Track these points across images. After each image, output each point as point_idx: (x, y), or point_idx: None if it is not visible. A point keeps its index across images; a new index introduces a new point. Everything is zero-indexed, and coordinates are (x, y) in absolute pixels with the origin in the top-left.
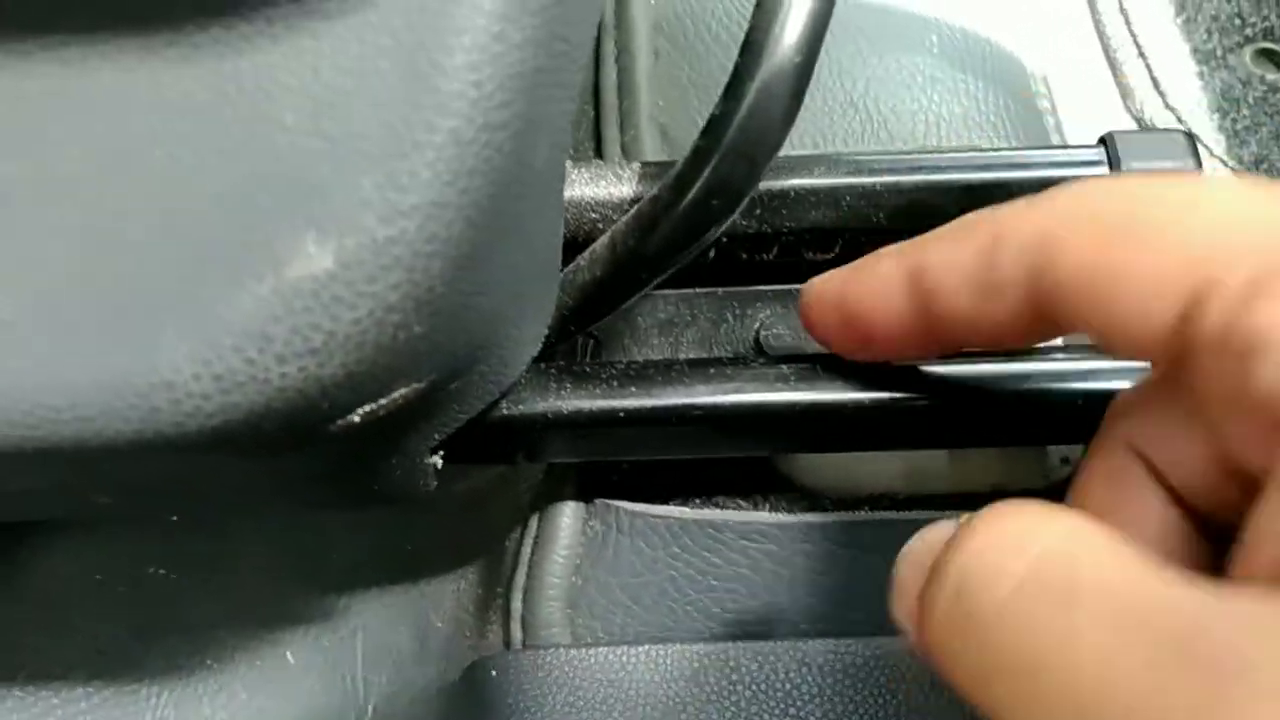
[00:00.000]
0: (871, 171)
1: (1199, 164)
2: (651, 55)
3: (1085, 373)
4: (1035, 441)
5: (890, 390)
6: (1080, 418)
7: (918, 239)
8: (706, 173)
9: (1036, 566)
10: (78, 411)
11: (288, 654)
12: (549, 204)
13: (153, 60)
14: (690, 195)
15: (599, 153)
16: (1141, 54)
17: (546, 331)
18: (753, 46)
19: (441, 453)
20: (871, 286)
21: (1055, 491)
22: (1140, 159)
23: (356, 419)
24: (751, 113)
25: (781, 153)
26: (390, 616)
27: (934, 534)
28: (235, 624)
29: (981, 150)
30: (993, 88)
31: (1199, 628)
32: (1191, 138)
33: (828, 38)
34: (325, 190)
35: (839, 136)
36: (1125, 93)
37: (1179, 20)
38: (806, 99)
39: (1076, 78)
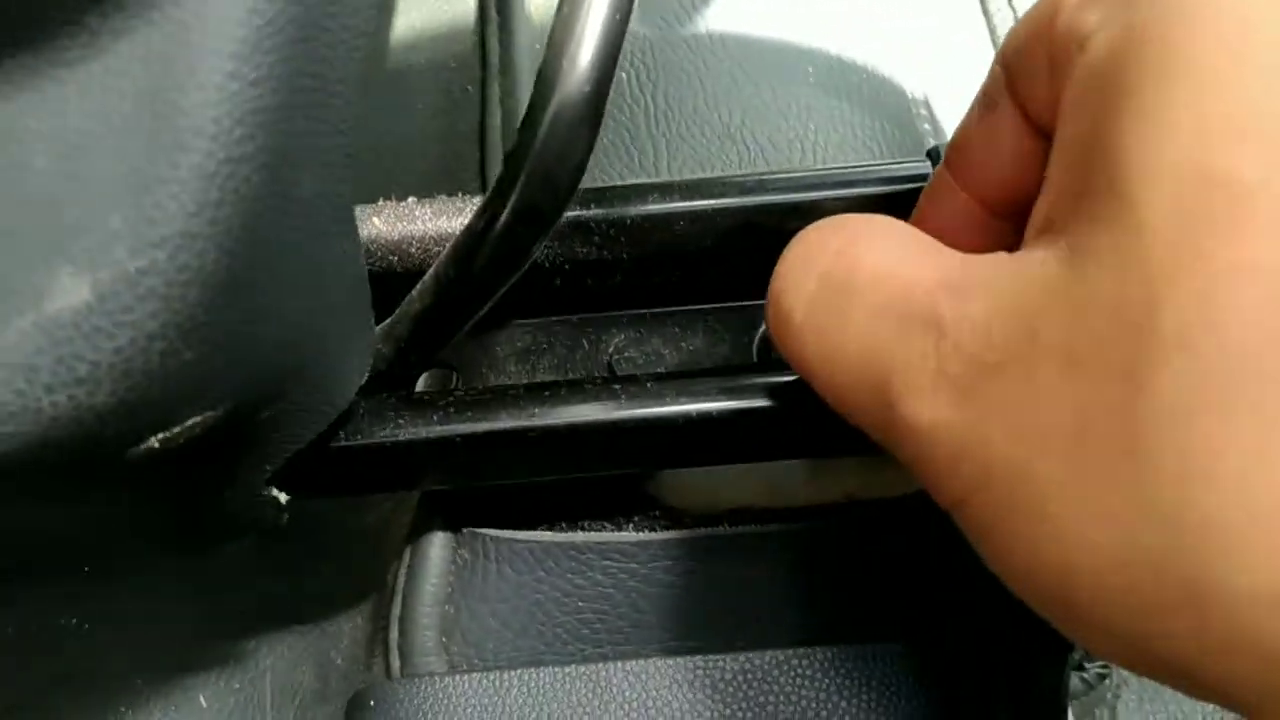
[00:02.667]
0: (703, 195)
1: None
2: None
3: None
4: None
5: (734, 401)
6: None
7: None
8: (511, 201)
9: (825, 274)
10: None
11: (200, 698)
12: (329, 235)
13: None
14: (499, 223)
15: (483, 187)
16: None
17: (369, 363)
18: (545, 78)
19: (280, 486)
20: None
21: (912, 500)
22: None
23: (155, 445)
24: (547, 141)
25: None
26: (295, 656)
27: None
28: (150, 671)
29: (809, 171)
30: (869, 113)
31: (926, 292)
32: None
33: (705, 72)
34: (78, 227)
35: (717, 166)
36: None
37: None
38: (685, 129)
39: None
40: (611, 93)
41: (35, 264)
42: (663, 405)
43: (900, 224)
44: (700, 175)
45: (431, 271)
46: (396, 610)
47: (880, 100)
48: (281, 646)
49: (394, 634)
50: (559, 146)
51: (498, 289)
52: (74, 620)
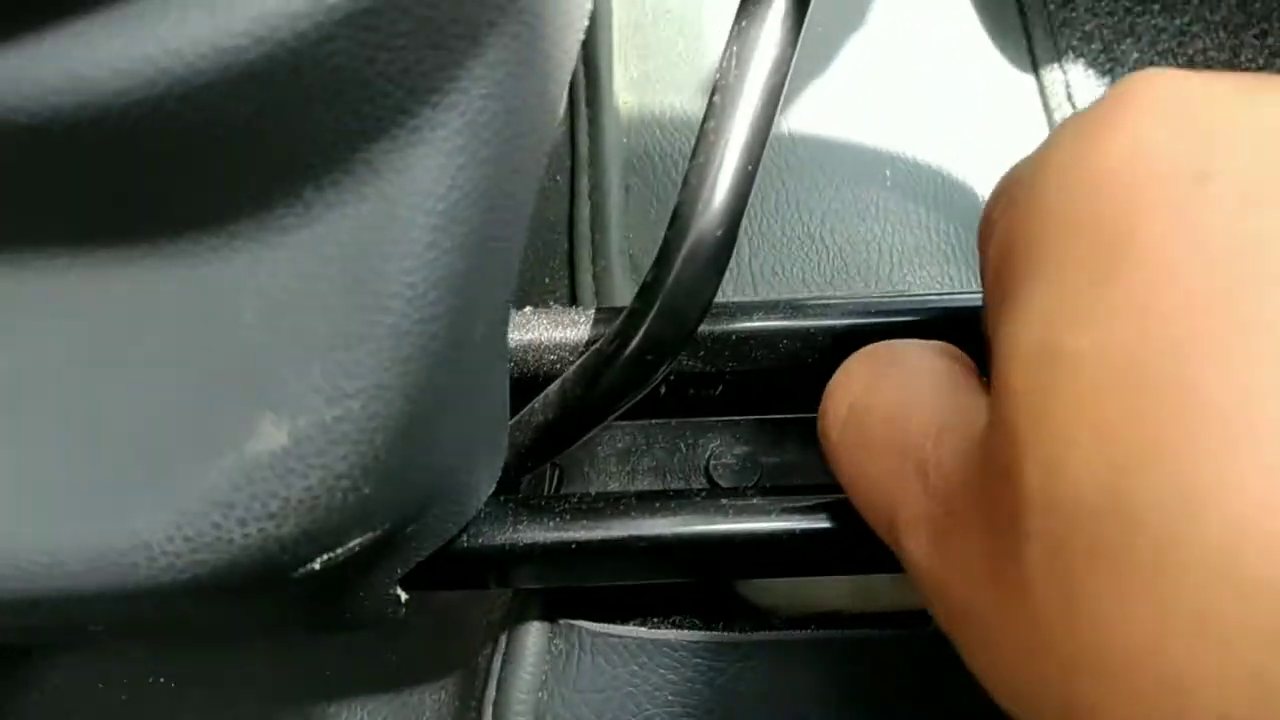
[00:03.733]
0: (805, 315)
1: None
2: (623, 191)
3: None
4: None
5: (821, 520)
6: None
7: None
8: (640, 332)
9: (853, 404)
10: (66, 568)
11: None
12: (489, 369)
13: (131, 268)
14: (628, 351)
15: (572, 282)
16: None
17: (499, 473)
18: (679, 219)
19: (403, 585)
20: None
21: None
22: None
23: (316, 567)
24: (679, 279)
25: (741, 284)
26: None
27: None
28: None
29: (909, 295)
30: (943, 218)
31: (921, 434)
32: None
33: (787, 172)
34: (280, 378)
35: (797, 267)
36: None
37: None
38: (767, 231)
39: None
40: None
41: (240, 410)
42: (767, 520)
43: (932, 355)
44: (779, 273)
45: (557, 386)
46: (491, 694)
47: (953, 203)
48: (362, 712)
49: (487, 716)
50: (689, 284)
51: (619, 408)
52: (160, 679)
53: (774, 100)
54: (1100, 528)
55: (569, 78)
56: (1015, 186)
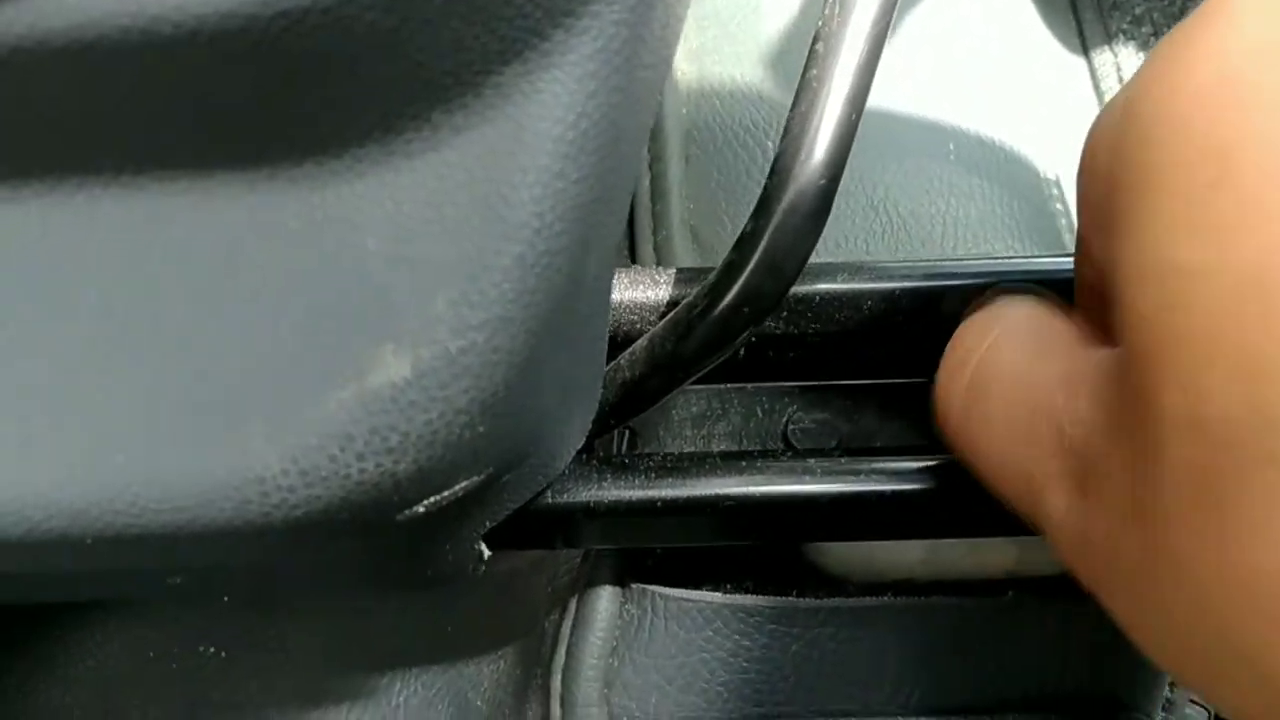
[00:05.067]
0: (890, 278)
1: None
2: (683, 161)
3: None
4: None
5: (908, 483)
6: None
7: None
8: (738, 284)
9: (970, 379)
10: (176, 503)
11: None
12: (597, 312)
13: (253, 192)
14: (723, 304)
15: (632, 252)
16: None
17: (589, 427)
18: (780, 169)
19: (487, 540)
20: None
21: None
22: None
23: (421, 510)
24: (779, 230)
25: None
26: (429, 696)
27: None
28: (282, 702)
29: (993, 257)
30: (1006, 192)
31: (1048, 390)
32: None
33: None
34: (404, 307)
35: (860, 238)
36: None
37: None
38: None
39: None
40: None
41: (360, 339)
42: (849, 482)
43: (1041, 312)
44: (842, 244)
45: (644, 342)
46: (560, 659)
47: (1016, 179)
48: (416, 684)
49: (556, 682)
50: (788, 237)
51: (707, 366)
52: (211, 648)
53: (877, 48)
54: (1247, 444)
55: (686, 11)
56: (1112, 115)
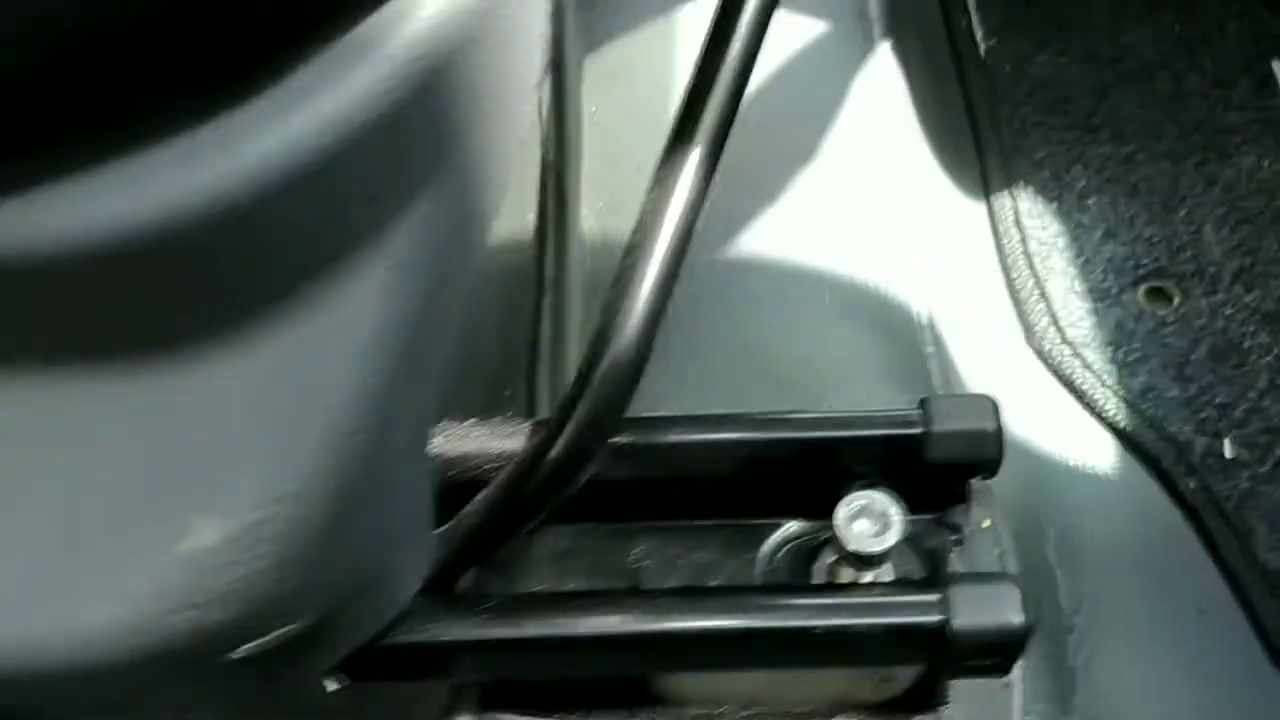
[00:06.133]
0: (716, 429)
1: (999, 425)
2: (584, 312)
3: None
4: (866, 663)
5: (748, 618)
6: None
7: None
8: (562, 441)
9: None
10: (13, 655)
11: None
12: (409, 477)
13: (96, 385)
14: (551, 458)
15: (530, 392)
16: (1043, 295)
17: (425, 571)
18: (598, 343)
19: (347, 672)
20: None
21: (898, 703)
22: (950, 420)
23: (240, 654)
24: (597, 396)
25: (683, 396)
26: None
27: None
28: None
29: (813, 413)
30: (879, 337)
31: None
32: (994, 403)
33: (729, 293)
34: (216, 484)
35: (737, 383)
36: (1027, 329)
37: (1078, 262)
38: (707, 347)
39: (982, 317)
40: None
41: (179, 511)
42: (678, 620)
43: None
44: (718, 385)
45: (485, 493)
46: None
47: (889, 324)
48: None
49: None
50: (605, 401)
51: (542, 512)
52: None
53: (684, 241)
54: None
55: (491, 226)
56: None
